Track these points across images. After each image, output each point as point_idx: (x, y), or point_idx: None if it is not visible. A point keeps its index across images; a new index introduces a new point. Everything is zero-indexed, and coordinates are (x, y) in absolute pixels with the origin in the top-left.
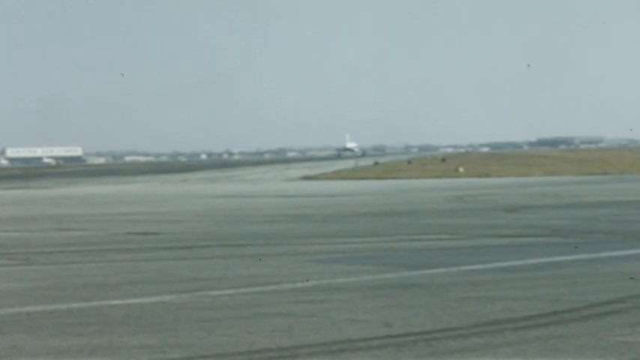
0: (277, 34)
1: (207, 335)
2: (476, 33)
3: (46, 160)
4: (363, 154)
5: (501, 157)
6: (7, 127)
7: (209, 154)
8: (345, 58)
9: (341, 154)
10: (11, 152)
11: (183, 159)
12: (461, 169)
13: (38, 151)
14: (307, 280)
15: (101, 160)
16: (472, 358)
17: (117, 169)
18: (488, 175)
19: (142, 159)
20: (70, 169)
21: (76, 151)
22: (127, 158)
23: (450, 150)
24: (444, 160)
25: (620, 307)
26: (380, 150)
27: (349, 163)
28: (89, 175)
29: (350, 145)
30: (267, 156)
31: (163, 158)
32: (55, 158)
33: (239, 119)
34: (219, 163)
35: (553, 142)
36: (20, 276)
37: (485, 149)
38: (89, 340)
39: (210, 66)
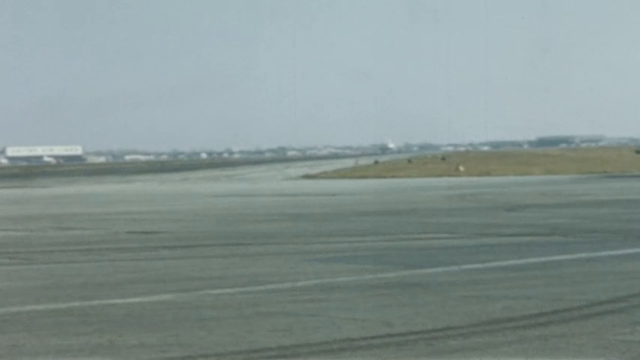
0: (277, 33)
1: (208, 334)
2: (476, 32)
3: (46, 159)
4: (399, 151)
5: (502, 156)
6: (8, 126)
7: (209, 153)
8: (344, 57)
9: (385, 151)
10: (11, 151)
11: (183, 158)
12: (461, 168)
13: (38, 150)
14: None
15: (101, 159)
16: (472, 358)
17: (117, 168)
18: (488, 174)
19: (142, 158)
20: (70, 168)
21: (76, 150)
22: (127, 157)
23: (450, 149)
24: (444, 158)
25: (621, 306)
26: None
27: (349, 163)
28: (89, 174)
29: (391, 145)
30: (267, 155)
31: (163, 157)
32: (55, 157)
33: (239, 118)
34: (220, 162)
35: (553, 141)
36: (20, 275)
37: (486, 148)
38: (89, 339)
39: (210, 66)
